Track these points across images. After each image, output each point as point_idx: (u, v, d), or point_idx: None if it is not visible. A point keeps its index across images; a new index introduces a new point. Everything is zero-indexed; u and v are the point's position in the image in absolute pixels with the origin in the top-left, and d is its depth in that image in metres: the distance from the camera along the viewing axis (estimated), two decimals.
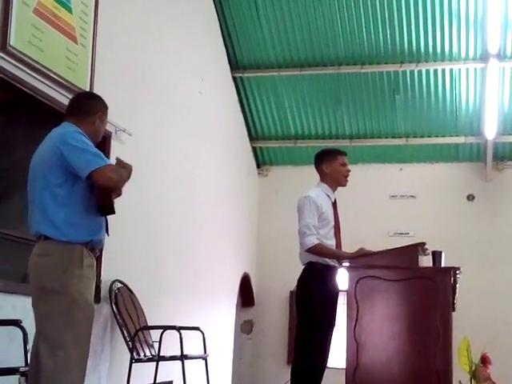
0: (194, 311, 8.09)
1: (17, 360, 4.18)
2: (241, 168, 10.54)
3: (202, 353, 6.34)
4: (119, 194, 3.72)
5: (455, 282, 4.63)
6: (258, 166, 11.39)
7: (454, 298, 4.62)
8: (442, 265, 4.72)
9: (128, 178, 3.64)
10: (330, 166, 5.18)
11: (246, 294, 10.91)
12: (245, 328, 11.10)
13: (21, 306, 4.65)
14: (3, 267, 5.07)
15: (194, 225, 8.31)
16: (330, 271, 4.97)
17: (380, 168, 10.84)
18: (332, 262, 4.97)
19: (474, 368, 4.83)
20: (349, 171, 5.23)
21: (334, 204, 5.20)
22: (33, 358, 3.46)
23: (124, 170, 3.60)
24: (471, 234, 10.25)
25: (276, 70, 9.87)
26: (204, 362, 6.27)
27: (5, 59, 4.75)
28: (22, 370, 3.94)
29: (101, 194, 3.53)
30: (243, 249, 10.53)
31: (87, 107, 3.76)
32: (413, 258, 4.66)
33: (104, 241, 3.75)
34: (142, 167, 6.13)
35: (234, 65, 10.00)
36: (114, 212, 3.63)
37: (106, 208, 3.58)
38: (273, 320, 10.91)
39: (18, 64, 4.88)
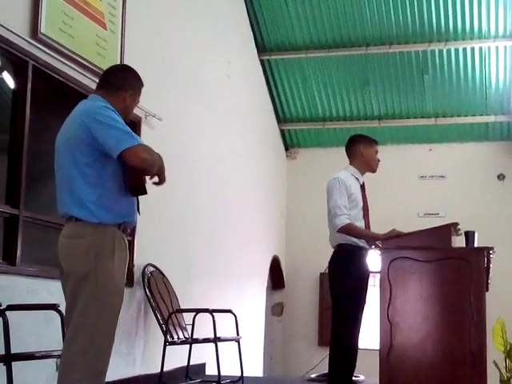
0: (225, 294, 8.14)
1: (53, 344, 4.22)
2: (269, 151, 10.54)
3: (234, 335, 6.39)
4: (161, 182, 3.44)
5: (489, 262, 4.60)
6: (287, 149, 11.40)
7: (487, 278, 4.60)
8: (475, 245, 4.69)
9: (160, 163, 3.38)
10: (367, 149, 5.17)
11: (276, 277, 10.95)
12: (275, 310, 11.14)
13: (56, 291, 4.65)
14: (38, 252, 5.13)
15: (224, 208, 8.35)
16: (359, 252, 4.95)
17: (409, 148, 10.81)
18: (361, 243, 4.95)
19: (508, 348, 4.80)
20: (379, 161, 5.24)
21: (363, 187, 5.19)
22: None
23: (157, 154, 3.35)
24: (502, 214, 10.18)
25: (303, 52, 9.85)
26: (237, 344, 6.32)
27: (36, 46, 4.79)
28: (58, 353, 3.94)
29: (132, 173, 3.30)
30: (273, 231, 10.56)
31: (120, 81, 3.48)
32: (445, 238, 4.63)
33: (136, 221, 3.56)
34: (171, 151, 6.14)
35: (261, 47, 9.99)
36: (146, 192, 3.43)
37: (137, 188, 3.38)
38: (303, 302, 10.95)
39: (49, 51, 4.92)
